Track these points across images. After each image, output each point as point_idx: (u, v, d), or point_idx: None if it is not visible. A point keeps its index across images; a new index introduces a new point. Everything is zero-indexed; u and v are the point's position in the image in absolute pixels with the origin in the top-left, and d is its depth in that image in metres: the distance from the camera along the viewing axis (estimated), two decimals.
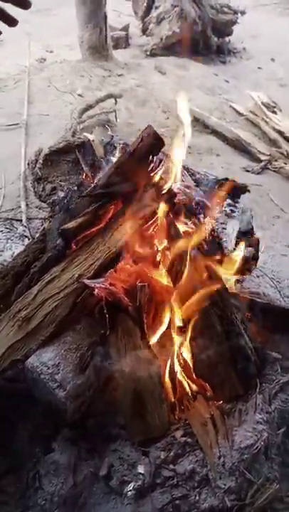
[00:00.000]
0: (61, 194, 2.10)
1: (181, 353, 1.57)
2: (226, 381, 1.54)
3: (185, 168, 2.17)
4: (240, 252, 1.76)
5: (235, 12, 6.60)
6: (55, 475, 1.40)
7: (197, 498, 1.34)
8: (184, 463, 1.40)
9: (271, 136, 4.24)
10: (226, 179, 2.18)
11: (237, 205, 2.07)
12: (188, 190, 1.88)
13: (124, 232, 1.67)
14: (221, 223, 1.91)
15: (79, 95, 4.52)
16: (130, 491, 1.35)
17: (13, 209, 2.94)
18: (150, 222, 1.72)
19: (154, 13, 6.40)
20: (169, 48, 6.12)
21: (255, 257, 1.89)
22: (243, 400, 1.54)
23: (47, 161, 2.28)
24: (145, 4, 6.57)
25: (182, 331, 1.57)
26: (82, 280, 1.56)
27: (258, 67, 6.33)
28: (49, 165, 2.27)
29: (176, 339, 1.58)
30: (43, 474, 1.41)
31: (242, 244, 1.80)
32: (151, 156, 1.81)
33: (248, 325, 1.70)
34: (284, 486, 1.43)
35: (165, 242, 1.67)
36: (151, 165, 1.83)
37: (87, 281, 1.53)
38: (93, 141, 2.34)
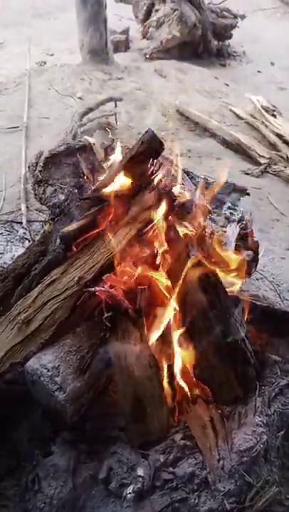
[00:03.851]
0: (62, 197, 2.10)
1: (181, 356, 1.58)
2: (226, 384, 1.54)
3: (185, 171, 2.18)
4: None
5: (235, 16, 6.64)
6: (55, 478, 1.40)
7: (196, 501, 1.34)
8: (184, 466, 1.40)
9: (271, 140, 4.25)
10: (226, 182, 2.19)
11: (237, 208, 2.08)
12: (188, 194, 1.89)
13: (125, 235, 1.68)
14: (221, 226, 1.92)
15: (79, 98, 4.54)
16: (129, 493, 1.35)
17: (13, 211, 2.95)
18: (150, 225, 1.72)
19: (154, 17, 6.44)
20: (169, 52, 6.15)
21: (254, 260, 1.89)
22: (243, 402, 1.53)
23: (47, 164, 2.28)
24: (145, 8, 6.61)
25: (182, 333, 1.57)
26: (82, 282, 1.56)
27: (258, 71, 6.36)
28: (49, 168, 2.28)
29: (176, 342, 1.58)
30: (42, 477, 1.41)
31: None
32: (151, 160, 1.81)
33: (248, 328, 1.70)
34: (283, 489, 1.43)
35: (165, 245, 1.68)
36: (151, 168, 1.84)
37: (91, 290, 1.53)
38: (94, 144, 2.34)
